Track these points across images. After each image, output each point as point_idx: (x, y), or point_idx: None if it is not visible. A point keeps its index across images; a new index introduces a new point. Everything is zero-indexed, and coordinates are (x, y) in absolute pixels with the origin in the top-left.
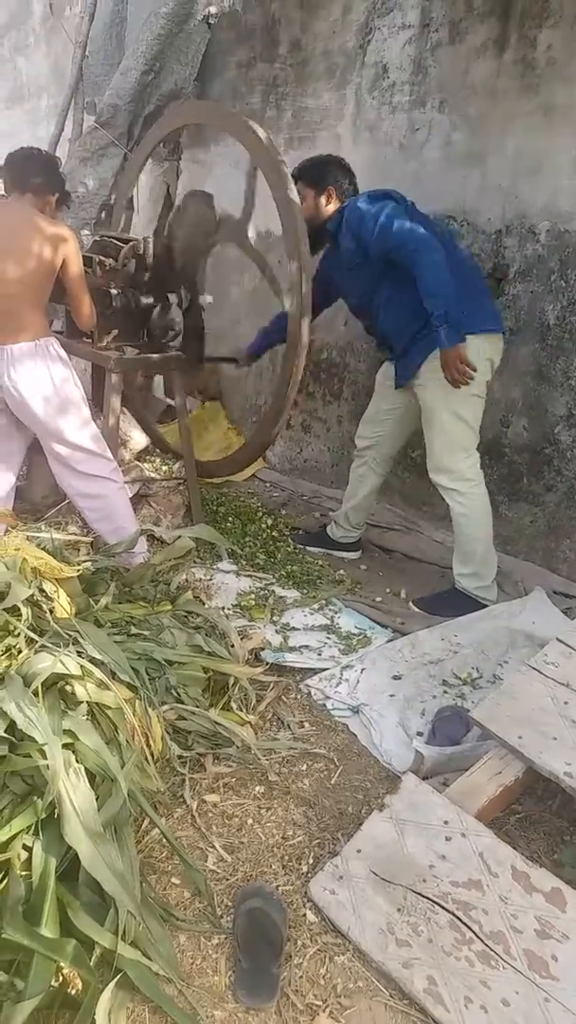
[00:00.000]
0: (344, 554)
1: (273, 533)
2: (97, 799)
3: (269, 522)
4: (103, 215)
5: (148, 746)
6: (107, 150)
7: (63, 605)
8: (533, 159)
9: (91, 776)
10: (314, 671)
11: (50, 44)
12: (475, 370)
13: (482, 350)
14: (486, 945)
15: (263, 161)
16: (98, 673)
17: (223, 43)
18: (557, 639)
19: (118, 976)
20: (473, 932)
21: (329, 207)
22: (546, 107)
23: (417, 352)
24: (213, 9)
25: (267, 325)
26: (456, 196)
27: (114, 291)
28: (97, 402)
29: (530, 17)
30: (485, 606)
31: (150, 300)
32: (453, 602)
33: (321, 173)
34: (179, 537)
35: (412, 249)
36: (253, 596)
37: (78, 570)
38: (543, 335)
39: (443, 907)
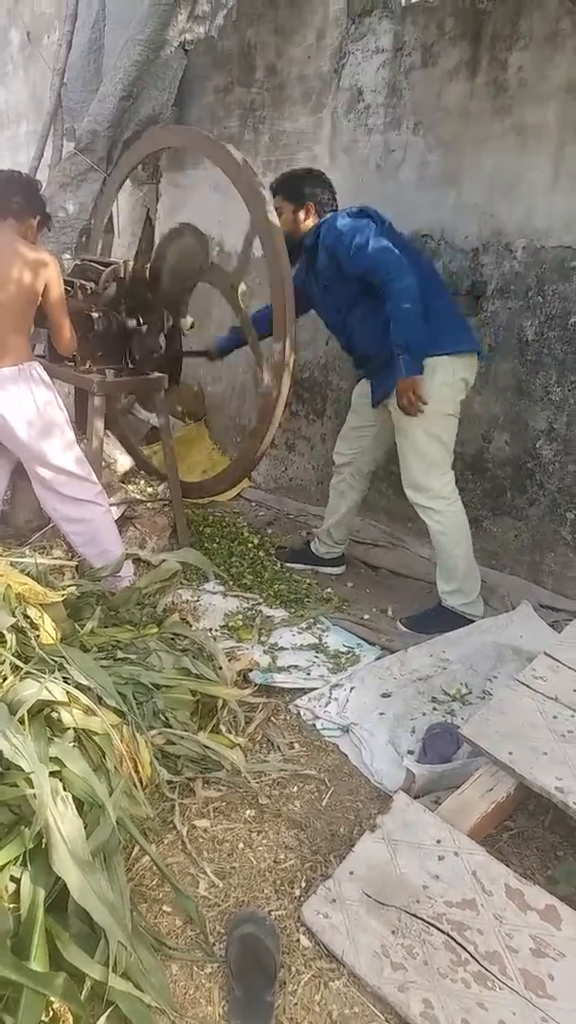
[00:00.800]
0: (329, 569)
1: (259, 552)
2: (85, 827)
3: (255, 541)
4: (83, 239)
5: (136, 772)
6: (87, 175)
7: (48, 631)
8: (508, 178)
9: (79, 804)
10: (303, 691)
11: (28, 72)
12: (425, 403)
13: (456, 370)
14: (482, 966)
15: (241, 183)
16: (84, 699)
17: (200, 68)
18: (545, 653)
19: (110, 1009)
20: (468, 953)
21: (308, 222)
22: (518, 127)
23: (392, 372)
24: (189, 36)
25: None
26: (433, 215)
27: (95, 314)
28: (81, 425)
29: (500, 40)
30: (472, 622)
31: (132, 323)
32: (440, 619)
33: (299, 187)
34: (164, 560)
35: (385, 273)
36: (241, 617)
37: (63, 595)
38: (522, 351)
39: (438, 928)
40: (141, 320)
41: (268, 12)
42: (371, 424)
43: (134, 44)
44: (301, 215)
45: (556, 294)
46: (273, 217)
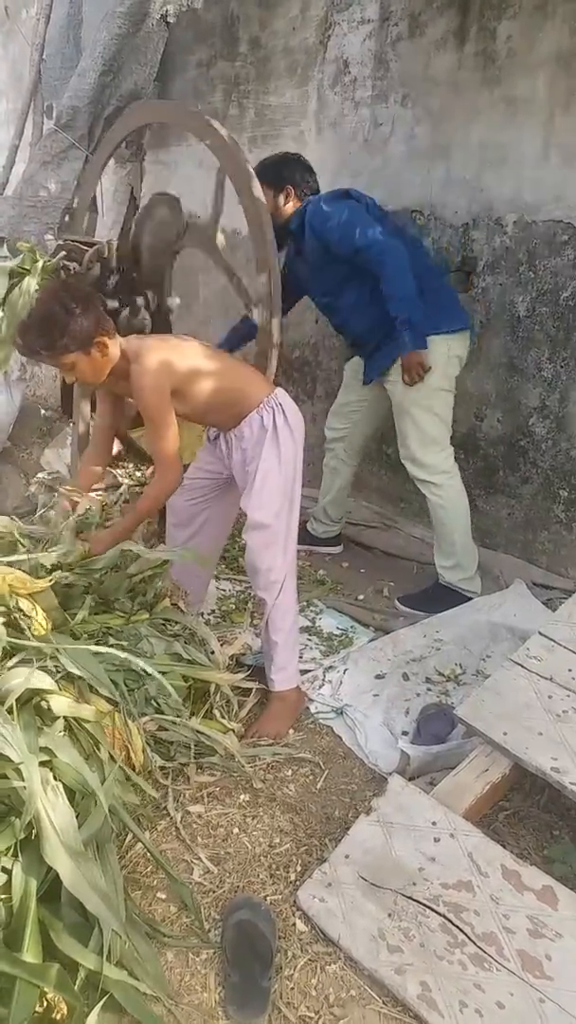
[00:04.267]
0: (326, 549)
1: None
2: (77, 816)
3: None
4: (66, 219)
5: (129, 759)
6: (68, 153)
7: (40, 622)
8: (497, 151)
9: (71, 793)
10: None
11: (6, 48)
12: (428, 371)
13: (451, 347)
14: (479, 947)
15: (226, 160)
16: (75, 687)
17: (183, 42)
18: (539, 633)
19: (105, 998)
20: (465, 935)
21: (288, 206)
22: (508, 99)
23: (387, 352)
24: (170, 8)
25: (237, 323)
26: (422, 190)
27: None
28: (67, 408)
29: (489, 8)
30: (470, 598)
31: (115, 303)
32: (438, 596)
33: (278, 172)
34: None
35: (376, 253)
36: (233, 600)
37: (50, 581)
38: (514, 327)
39: (434, 910)
40: (126, 300)
41: None
42: (363, 399)
43: (114, 17)
44: (281, 199)
45: (547, 269)
46: (259, 192)
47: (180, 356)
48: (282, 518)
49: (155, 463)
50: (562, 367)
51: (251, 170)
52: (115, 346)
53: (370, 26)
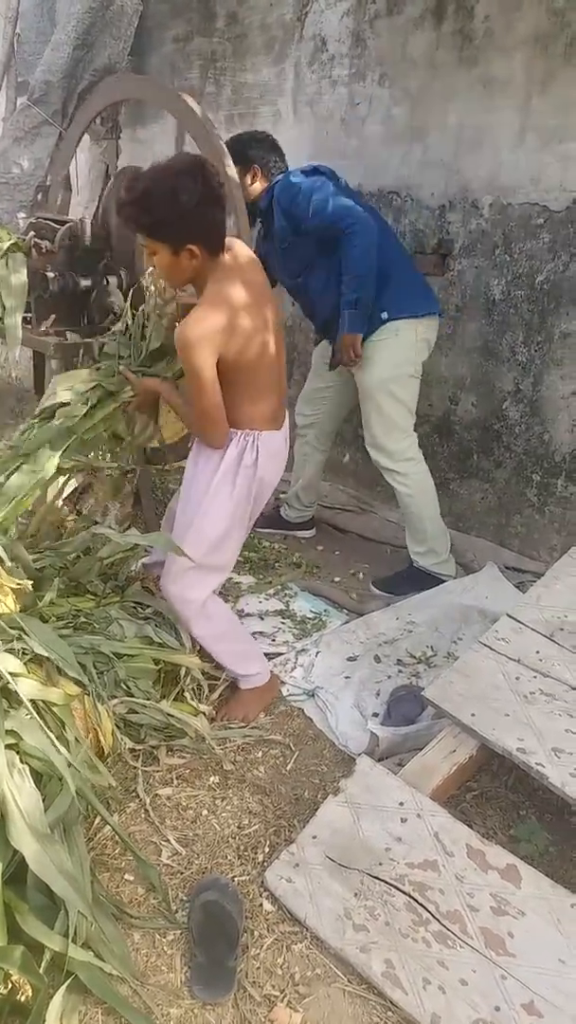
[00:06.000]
0: (300, 533)
1: None
2: (44, 799)
3: None
4: (40, 196)
5: (98, 742)
6: (41, 129)
7: (8, 603)
8: (474, 133)
9: (38, 776)
10: (268, 657)
11: None
12: (359, 356)
13: (419, 331)
14: (443, 925)
15: (198, 135)
16: (43, 669)
17: (159, 16)
18: (507, 615)
19: (69, 979)
20: (430, 913)
21: (255, 186)
22: (485, 79)
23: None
24: None
25: None
26: (398, 171)
27: (51, 274)
28: (38, 389)
29: None
30: (444, 581)
31: (88, 283)
32: (412, 580)
33: (244, 150)
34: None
35: (347, 225)
36: None
37: (18, 585)
38: (489, 311)
39: (400, 889)
40: (98, 280)
41: None
42: (331, 385)
43: None
44: (248, 179)
45: (523, 252)
46: (232, 172)
47: (242, 334)
48: (209, 558)
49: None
50: (536, 351)
51: (224, 147)
52: (209, 264)
53: (348, 3)
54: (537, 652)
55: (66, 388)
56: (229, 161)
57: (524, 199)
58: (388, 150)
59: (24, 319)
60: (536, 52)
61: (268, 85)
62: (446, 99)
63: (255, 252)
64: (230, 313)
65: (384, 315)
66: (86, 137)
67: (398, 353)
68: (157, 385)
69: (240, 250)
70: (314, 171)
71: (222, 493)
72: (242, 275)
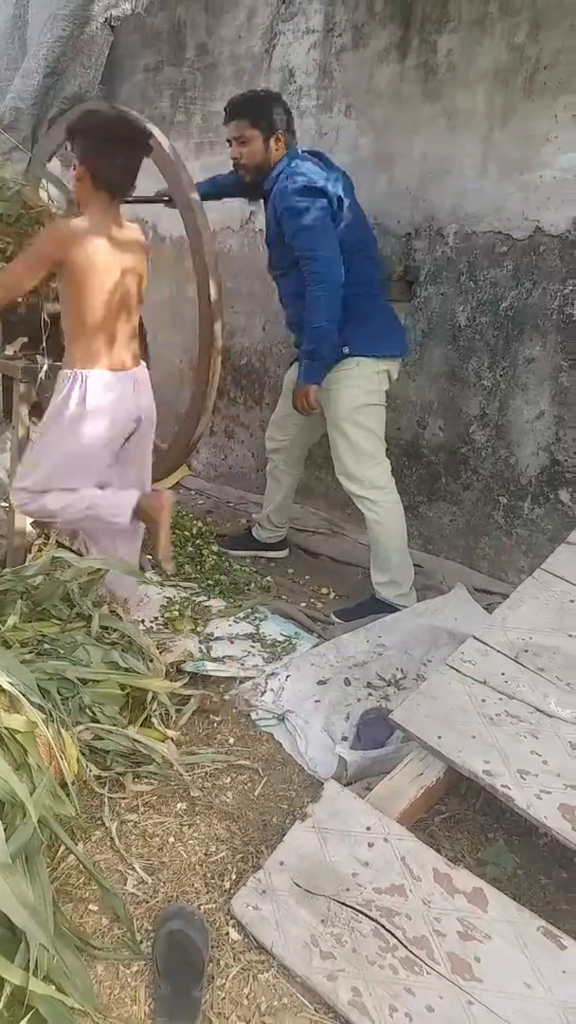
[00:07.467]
0: (272, 554)
1: (199, 541)
2: (5, 829)
3: (195, 530)
4: None
5: (62, 769)
6: (11, 155)
7: None
8: (439, 163)
9: (0, 805)
10: (238, 681)
11: None
12: (314, 409)
13: (379, 365)
14: (410, 951)
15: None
16: (3, 696)
17: (130, 47)
18: (474, 637)
19: (30, 1013)
20: (397, 939)
21: (277, 153)
22: (449, 112)
23: None
24: (115, 11)
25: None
26: (365, 200)
27: (19, 299)
28: (6, 412)
29: (430, 22)
30: None
31: (57, 307)
32: (373, 611)
33: (268, 113)
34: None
35: (314, 271)
36: (178, 607)
37: None
38: (455, 336)
39: (367, 915)
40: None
41: None
42: None
43: (57, 19)
44: (272, 144)
45: (487, 279)
46: (194, 194)
47: (90, 260)
48: (50, 483)
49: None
50: (501, 376)
51: (187, 172)
52: (98, 197)
53: (315, 36)
54: (503, 674)
55: None
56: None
57: (488, 228)
58: (355, 179)
59: None
60: (496, 86)
61: None
62: (411, 130)
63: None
64: (91, 238)
65: (346, 349)
66: (56, 161)
67: (358, 384)
68: None
69: (130, 229)
70: (320, 193)
71: (53, 428)
72: (119, 232)
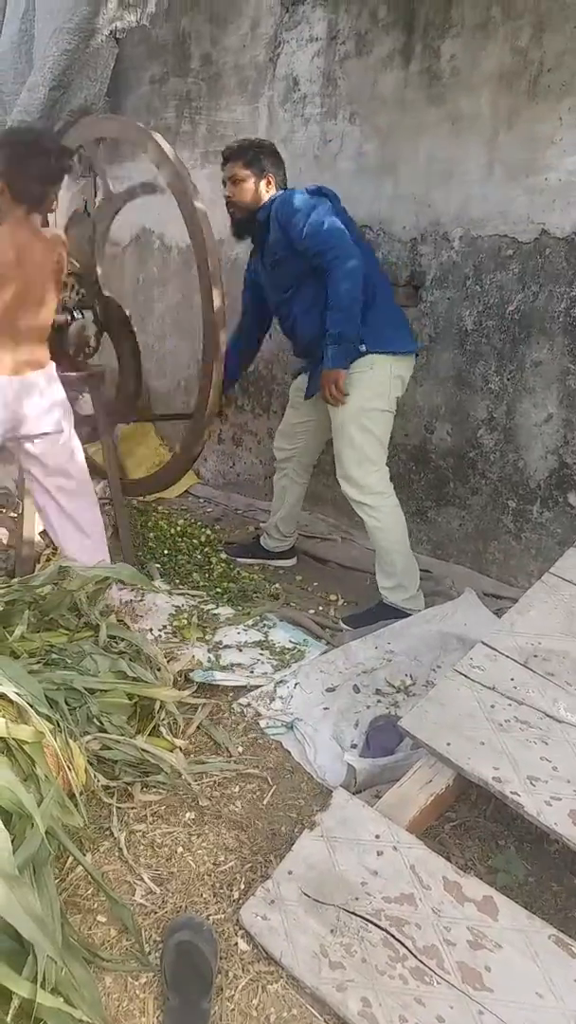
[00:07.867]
0: (280, 562)
1: (207, 549)
2: (13, 840)
3: (203, 538)
4: None
5: (70, 779)
6: None
7: None
8: (444, 167)
9: (7, 816)
10: (247, 689)
11: None
12: (346, 395)
13: (393, 368)
14: (420, 961)
15: (167, 171)
16: (12, 707)
17: (135, 58)
18: (482, 643)
19: None
20: (407, 948)
21: (267, 193)
22: (453, 116)
23: None
24: (120, 24)
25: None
26: (371, 206)
27: None
28: None
29: (433, 27)
30: None
31: (65, 317)
32: (382, 617)
33: (259, 158)
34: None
35: (334, 256)
36: (186, 616)
37: None
38: (462, 341)
39: (376, 924)
40: (74, 315)
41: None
42: (310, 419)
43: (62, 33)
44: (263, 185)
45: (493, 283)
46: (200, 205)
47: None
48: None
49: None
50: (508, 380)
51: (196, 196)
52: (15, 209)
53: (318, 44)
54: (512, 679)
55: None
56: (199, 198)
57: (493, 231)
58: (360, 185)
59: None
60: (501, 89)
61: (242, 123)
62: (415, 135)
63: (245, 282)
64: (13, 231)
65: (363, 347)
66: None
67: (371, 387)
68: None
69: (45, 239)
70: (318, 192)
71: None
72: (33, 239)
